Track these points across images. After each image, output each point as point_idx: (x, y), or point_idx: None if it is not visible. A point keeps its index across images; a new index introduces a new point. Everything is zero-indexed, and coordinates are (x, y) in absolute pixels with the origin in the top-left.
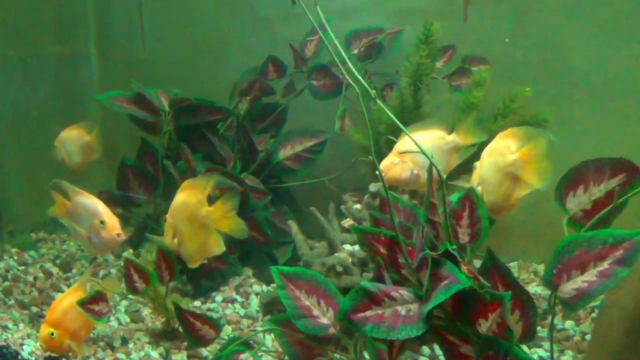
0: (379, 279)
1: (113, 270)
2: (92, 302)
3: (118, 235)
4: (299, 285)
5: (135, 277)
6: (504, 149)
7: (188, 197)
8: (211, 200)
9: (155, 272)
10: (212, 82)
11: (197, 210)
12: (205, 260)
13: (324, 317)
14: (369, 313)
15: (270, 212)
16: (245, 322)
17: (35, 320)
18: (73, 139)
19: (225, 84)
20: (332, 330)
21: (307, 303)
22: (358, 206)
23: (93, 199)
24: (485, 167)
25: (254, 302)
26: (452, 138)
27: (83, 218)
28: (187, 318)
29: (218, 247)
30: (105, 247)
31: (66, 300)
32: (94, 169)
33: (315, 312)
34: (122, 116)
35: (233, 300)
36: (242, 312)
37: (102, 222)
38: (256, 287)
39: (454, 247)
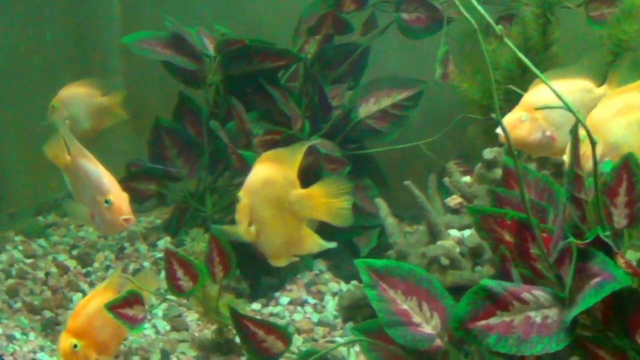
0: (503, 275)
1: (147, 264)
2: (125, 305)
3: (126, 220)
4: (394, 284)
5: (180, 273)
6: None
7: (273, 173)
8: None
9: (206, 266)
10: (269, 16)
11: (285, 193)
12: (295, 258)
13: (428, 325)
14: (492, 320)
15: None
16: (320, 330)
17: (50, 328)
18: (80, 100)
19: (288, 18)
20: (438, 342)
21: (405, 307)
22: (467, 178)
23: (98, 166)
24: (617, 130)
25: (331, 304)
26: (602, 91)
27: (84, 188)
28: (248, 326)
29: (314, 244)
30: (109, 231)
31: (93, 303)
32: (116, 133)
33: (416, 318)
34: (151, 64)
35: (303, 302)
36: (315, 317)
37: (107, 202)
38: (333, 285)
39: (608, 233)
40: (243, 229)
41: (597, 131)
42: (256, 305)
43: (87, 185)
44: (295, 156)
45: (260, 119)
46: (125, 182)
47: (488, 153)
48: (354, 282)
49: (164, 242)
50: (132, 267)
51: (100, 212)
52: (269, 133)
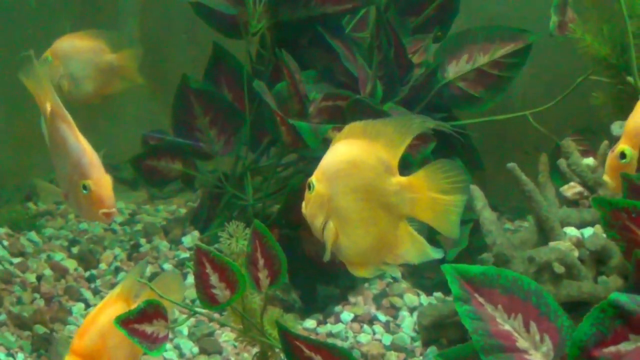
0: (638, 287)
1: (168, 266)
2: (144, 320)
3: (107, 215)
4: (493, 297)
5: (214, 278)
6: None
7: (362, 152)
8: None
9: (248, 271)
10: None
11: (379, 180)
12: (386, 267)
13: (537, 352)
14: (624, 346)
15: None
16: (393, 356)
17: (43, 347)
18: (83, 55)
19: None
20: None
21: (507, 327)
22: (590, 160)
23: (78, 137)
24: None
25: (408, 322)
26: None
27: (60, 160)
28: (301, 349)
29: (415, 251)
30: (85, 219)
31: (104, 317)
32: (129, 96)
33: (521, 342)
34: (176, 6)
35: (372, 319)
36: (387, 339)
37: (85, 188)
38: (410, 298)
39: None
40: (317, 228)
41: None
42: (310, 322)
43: (63, 157)
44: (395, 132)
45: (318, 80)
46: (141, 160)
47: (618, 127)
48: (438, 293)
49: (191, 238)
50: (149, 269)
51: (76, 196)
52: (329, 98)
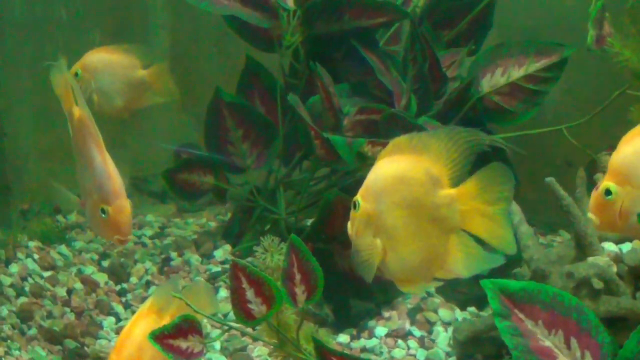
0: None
1: (199, 279)
2: (178, 335)
3: (120, 242)
4: (533, 313)
5: (249, 293)
6: None
7: (409, 167)
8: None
9: (284, 286)
10: None
11: (427, 194)
12: (437, 282)
13: None
14: None
15: None
16: None
17: None
18: (113, 70)
19: None
20: None
21: (548, 343)
22: None
23: (105, 156)
24: None
25: (442, 337)
26: None
27: (83, 172)
28: None
29: (468, 263)
30: (99, 235)
31: (139, 331)
32: (160, 109)
33: (562, 359)
34: (208, 20)
35: (406, 334)
36: (421, 354)
37: (103, 212)
38: (445, 313)
39: None
40: (365, 243)
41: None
42: (343, 337)
43: (86, 172)
44: (442, 145)
45: (352, 93)
46: (173, 173)
47: None
48: (472, 308)
49: (222, 252)
50: (180, 283)
51: (93, 214)
52: (364, 111)
